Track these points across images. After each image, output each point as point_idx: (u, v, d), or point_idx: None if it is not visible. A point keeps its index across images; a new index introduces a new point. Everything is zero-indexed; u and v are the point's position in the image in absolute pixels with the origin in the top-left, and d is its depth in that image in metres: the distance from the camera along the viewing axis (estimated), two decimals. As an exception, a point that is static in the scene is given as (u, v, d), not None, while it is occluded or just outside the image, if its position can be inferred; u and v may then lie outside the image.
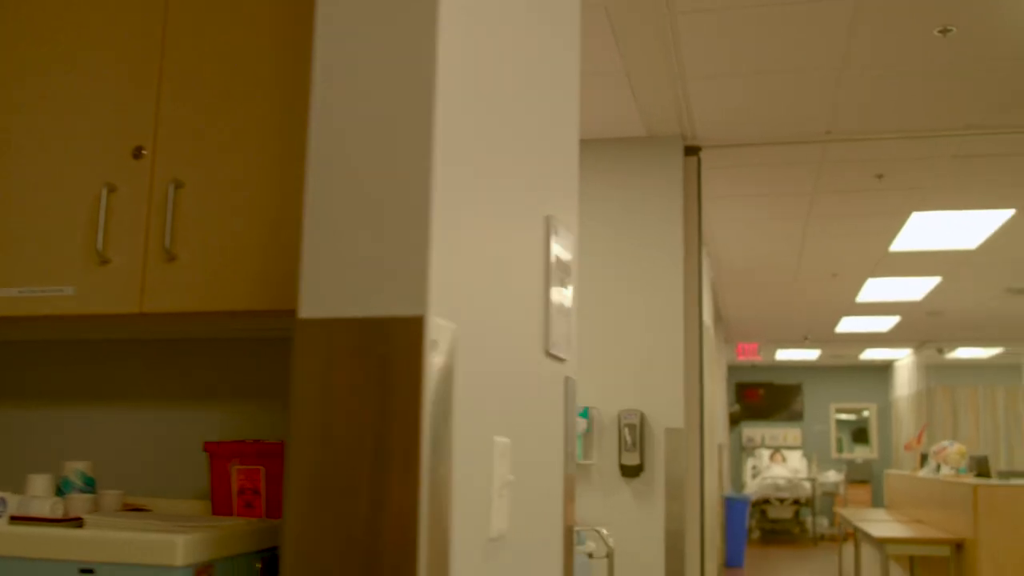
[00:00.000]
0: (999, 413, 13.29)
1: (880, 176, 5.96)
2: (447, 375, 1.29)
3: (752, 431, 17.54)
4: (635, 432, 5.01)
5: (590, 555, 4.53)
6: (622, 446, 5.04)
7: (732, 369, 17.38)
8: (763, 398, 17.79)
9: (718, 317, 11.65)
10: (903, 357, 15.45)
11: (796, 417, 17.57)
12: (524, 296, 1.59)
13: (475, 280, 1.41)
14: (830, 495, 16.20)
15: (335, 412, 1.27)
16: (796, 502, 14.87)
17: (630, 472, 5.04)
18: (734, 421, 17.47)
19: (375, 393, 1.25)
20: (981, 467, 8.03)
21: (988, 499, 6.23)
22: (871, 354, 15.80)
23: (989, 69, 4.41)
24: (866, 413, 17.31)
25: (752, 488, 15.64)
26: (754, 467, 16.56)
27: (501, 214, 1.51)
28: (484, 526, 1.40)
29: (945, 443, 7.74)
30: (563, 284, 1.77)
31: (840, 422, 17.51)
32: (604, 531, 4.63)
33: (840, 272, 8.95)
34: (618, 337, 5.19)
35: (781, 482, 15.37)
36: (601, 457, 5.12)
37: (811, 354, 15.94)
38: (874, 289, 9.83)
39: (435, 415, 1.25)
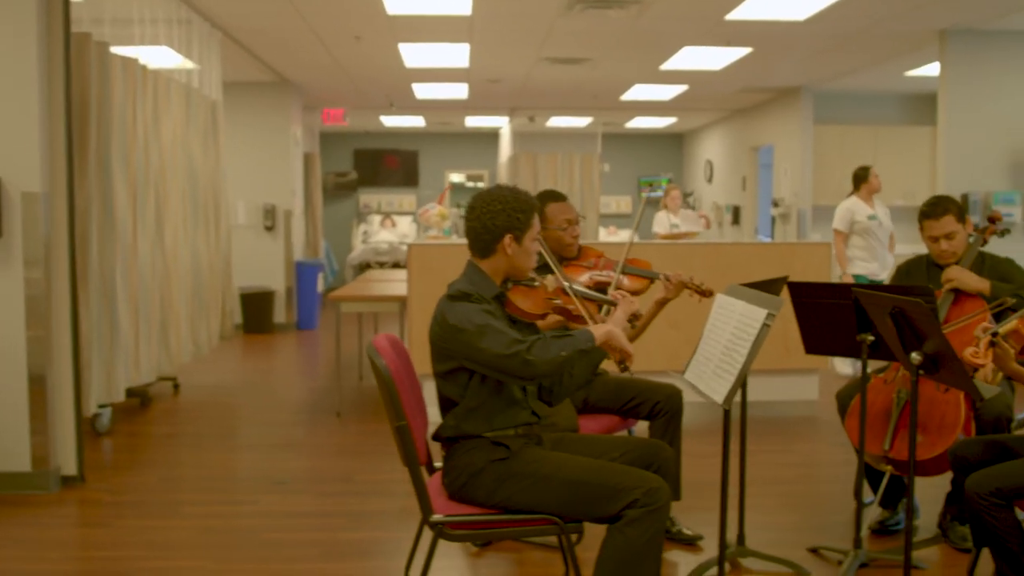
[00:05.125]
0: (576, 179, 14.06)
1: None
2: None
3: (369, 197, 17.77)
4: (-19, 198, 4.78)
5: None
6: (-31, 213, 4.81)
7: (347, 136, 17.33)
8: (400, 165, 17.93)
9: (282, 80, 11.42)
10: (504, 125, 15.92)
11: (413, 183, 17.92)
12: None
13: None
14: (436, 258, 16.85)
15: None
16: (396, 265, 15.35)
17: (-20, 239, 4.85)
18: (351, 188, 17.59)
19: None
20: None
21: (420, 258, 6.55)
22: (474, 122, 16.19)
23: None
24: (468, 181, 17.92)
25: (356, 252, 15.99)
26: (365, 232, 16.89)
27: None
28: None
29: (428, 206, 8.02)
30: None
31: (454, 186, 18.03)
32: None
33: (361, 35, 8.85)
34: (-36, 97, 4.86)
35: (383, 246, 15.80)
36: (-47, 224, 4.87)
37: (419, 121, 16.13)
38: (416, 54, 9.85)
39: None
